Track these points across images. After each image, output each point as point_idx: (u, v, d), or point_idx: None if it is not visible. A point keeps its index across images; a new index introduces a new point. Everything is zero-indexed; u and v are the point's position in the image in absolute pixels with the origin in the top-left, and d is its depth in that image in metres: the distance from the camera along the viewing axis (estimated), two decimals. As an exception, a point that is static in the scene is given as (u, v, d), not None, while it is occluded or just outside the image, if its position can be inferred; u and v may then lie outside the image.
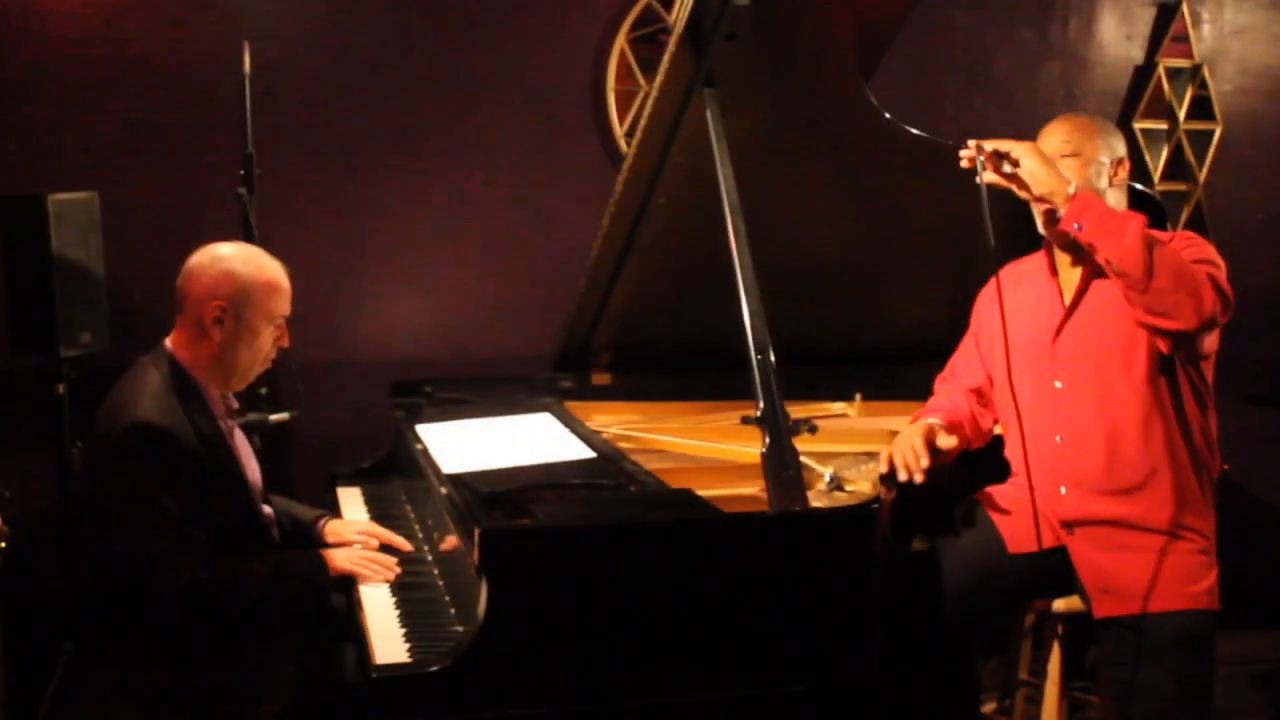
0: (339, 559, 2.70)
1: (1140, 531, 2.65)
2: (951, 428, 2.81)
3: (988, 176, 2.53)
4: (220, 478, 2.60)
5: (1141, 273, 2.42)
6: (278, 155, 3.70)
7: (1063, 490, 2.72)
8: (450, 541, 2.65)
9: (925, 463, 2.60)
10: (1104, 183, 2.70)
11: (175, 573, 2.44)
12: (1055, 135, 2.71)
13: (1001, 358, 2.74)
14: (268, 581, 2.56)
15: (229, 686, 2.47)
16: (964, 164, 2.55)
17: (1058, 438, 2.72)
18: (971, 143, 2.54)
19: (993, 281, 2.92)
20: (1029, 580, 2.79)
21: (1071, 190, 2.50)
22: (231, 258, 2.64)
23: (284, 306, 2.70)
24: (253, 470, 2.79)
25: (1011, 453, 2.82)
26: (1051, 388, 2.72)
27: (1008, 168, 2.52)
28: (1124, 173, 2.73)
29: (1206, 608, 2.63)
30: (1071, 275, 2.74)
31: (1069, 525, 2.72)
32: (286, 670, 2.53)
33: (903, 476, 2.61)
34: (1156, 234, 2.49)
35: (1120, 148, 2.73)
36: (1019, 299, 2.76)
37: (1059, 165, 2.60)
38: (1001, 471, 2.88)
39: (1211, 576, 2.66)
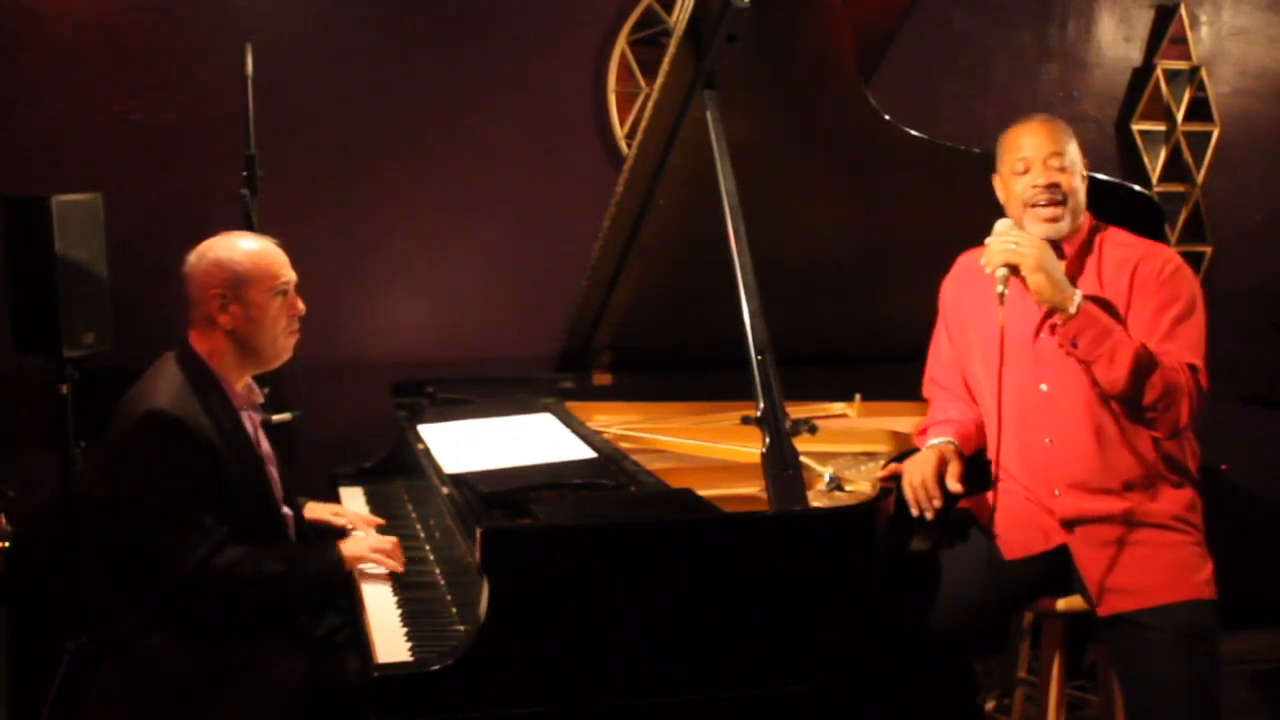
0: (348, 550, 2.72)
1: (1138, 526, 2.67)
2: (964, 441, 2.82)
3: (999, 273, 2.58)
4: (237, 469, 2.62)
5: (1128, 396, 2.56)
6: (280, 156, 3.71)
7: (1056, 492, 2.73)
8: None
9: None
10: (1083, 182, 2.74)
11: (183, 558, 2.47)
12: (1044, 146, 2.71)
13: (976, 358, 2.78)
14: (280, 575, 2.58)
15: (230, 685, 2.48)
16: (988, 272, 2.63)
17: (1047, 440, 2.72)
18: (988, 268, 2.61)
19: (960, 269, 2.94)
20: (1029, 583, 2.80)
21: (1074, 308, 2.55)
22: (215, 246, 2.72)
23: (280, 273, 2.73)
24: (273, 467, 2.81)
25: (997, 455, 2.74)
26: (1037, 390, 2.72)
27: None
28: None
29: (1208, 598, 2.66)
30: None
31: (1068, 524, 2.72)
32: (288, 669, 2.53)
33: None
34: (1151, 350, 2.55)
35: None
36: (989, 295, 2.64)
37: (1051, 176, 2.66)
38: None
39: (1208, 566, 2.69)
